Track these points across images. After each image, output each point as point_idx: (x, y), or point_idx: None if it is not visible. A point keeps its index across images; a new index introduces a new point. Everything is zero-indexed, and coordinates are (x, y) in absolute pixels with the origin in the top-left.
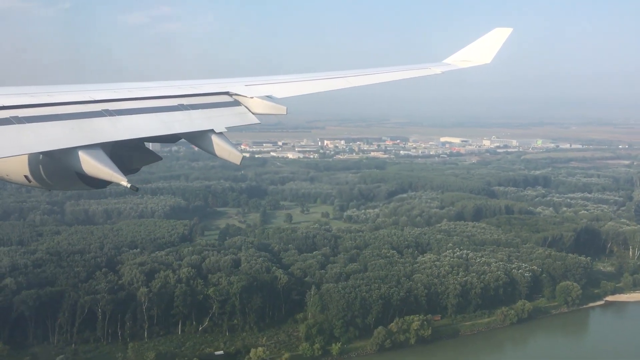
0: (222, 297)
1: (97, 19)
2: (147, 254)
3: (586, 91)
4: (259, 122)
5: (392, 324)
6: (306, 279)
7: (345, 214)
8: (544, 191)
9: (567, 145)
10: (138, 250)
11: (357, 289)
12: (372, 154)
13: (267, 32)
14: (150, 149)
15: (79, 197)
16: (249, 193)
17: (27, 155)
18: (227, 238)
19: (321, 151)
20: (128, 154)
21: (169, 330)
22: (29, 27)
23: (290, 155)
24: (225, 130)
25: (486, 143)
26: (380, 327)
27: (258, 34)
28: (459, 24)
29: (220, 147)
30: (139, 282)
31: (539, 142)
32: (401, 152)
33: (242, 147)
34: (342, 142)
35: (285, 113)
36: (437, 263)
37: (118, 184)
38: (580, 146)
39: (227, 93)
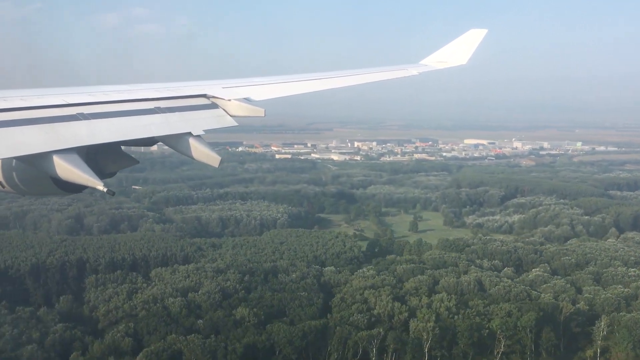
0: (509, 332)
1: (70, 20)
2: (349, 272)
3: (561, 94)
4: (237, 124)
5: None
6: (578, 305)
7: (467, 221)
8: None
9: (603, 148)
10: (333, 267)
11: None
12: (416, 155)
13: (242, 34)
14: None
15: (165, 203)
16: (339, 198)
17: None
18: (376, 249)
19: (362, 153)
20: (104, 158)
21: None
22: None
23: (335, 158)
24: (203, 133)
25: (517, 145)
26: None
27: (233, 36)
28: (435, 26)
29: (198, 150)
30: (402, 312)
31: (579, 145)
32: (444, 153)
33: (274, 148)
34: (374, 143)
35: (263, 115)
36: None
37: (94, 189)
38: (616, 149)
39: (204, 96)
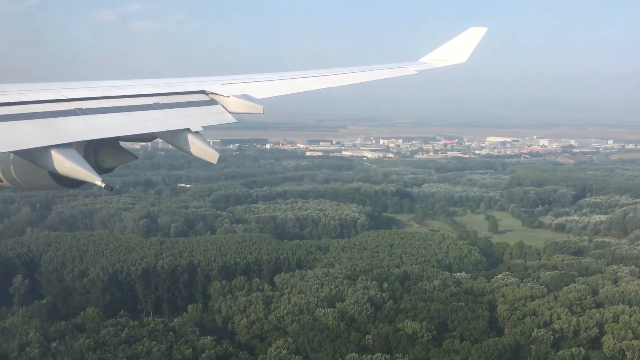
0: None
1: (65, 16)
2: (484, 279)
3: (560, 93)
4: (235, 121)
5: None
6: None
7: (545, 221)
8: None
9: (632, 146)
10: (464, 273)
11: None
12: (449, 153)
13: (241, 31)
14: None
15: (226, 202)
16: (399, 197)
17: None
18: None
19: (392, 150)
20: (102, 153)
21: None
22: None
23: (368, 155)
24: (202, 129)
25: (544, 143)
26: None
27: (232, 33)
28: (435, 25)
29: (197, 146)
30: (590, 328)
31: (610, 143)
32: (476, 151)
33: (300, 145)
34: (400, 141)
35: (262, 112)
36: None
37: (92, 184)
38: None
39: (203, 92)
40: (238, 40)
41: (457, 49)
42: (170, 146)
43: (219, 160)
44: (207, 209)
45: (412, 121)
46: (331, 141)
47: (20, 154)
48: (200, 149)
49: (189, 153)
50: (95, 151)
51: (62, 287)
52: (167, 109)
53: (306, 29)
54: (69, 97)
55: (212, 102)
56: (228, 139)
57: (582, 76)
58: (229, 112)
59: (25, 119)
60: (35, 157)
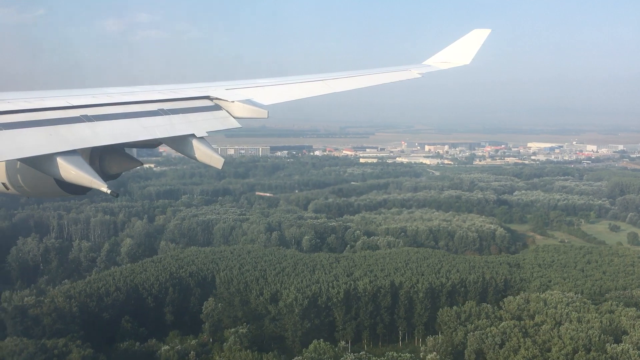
0: None
1: (73, 26)
2: None
3: (560, 95)
4: (240, 126)
5: None
6: None
7: None
8: None
9: None
10: None
11: None
12: (507, 159)
13: (244, 37)
14: (133, 154)
15: (327, 211)
16: (503, 206)
17: (4, 162)
18: None
19: (447, 156)
20: (107, 159)
21: None
22: (3, 34)
23: (427, 162)
24: (206, 134)
25: (592, 148)
26: None
27: (235, 39)
28: (438, 27)
29: (201, 152)
30: None
31: None
32: (532, 157)
33: (346, 152)
34: (446, 147)
35: (266, 117)
36: None
37: (98, 190)
38: None
39: (207, 97)
40: (242, 46)
41: (461, 51)
42: (203, 154)
43: (279, 167)
44: (324, 220)
45: (435, 127)
46: (376, 147)
47: (26, 161)
48: (205, 155)
49: (194, 159)
50: (100, 158)
51: (247, 311)
52: (172, 115)
53: (309, 33)
54: (75, 104)
55: (217, 107)
56: (275, 146)
57: (583, 78)
58: (234, 117)
59: (31, 127)
60: (41, 164)
